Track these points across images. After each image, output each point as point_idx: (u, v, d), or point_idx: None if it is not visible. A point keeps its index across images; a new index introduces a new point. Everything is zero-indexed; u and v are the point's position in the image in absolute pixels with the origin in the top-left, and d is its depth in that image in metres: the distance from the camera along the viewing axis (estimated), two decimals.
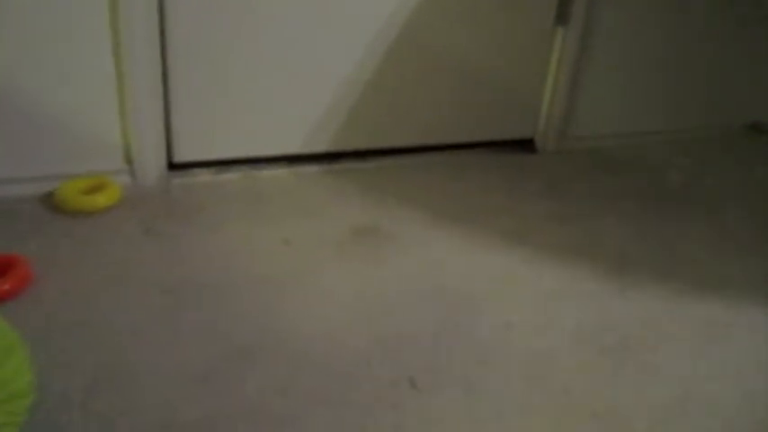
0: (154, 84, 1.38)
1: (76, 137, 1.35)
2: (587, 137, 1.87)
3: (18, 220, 1.25)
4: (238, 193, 1.46)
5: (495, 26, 1.68)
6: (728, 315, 1.17)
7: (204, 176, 1.51)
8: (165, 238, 1.26)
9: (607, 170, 1.75)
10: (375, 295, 1.13)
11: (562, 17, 1.71)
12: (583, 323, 1.11)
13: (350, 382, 0.93)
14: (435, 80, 1.67)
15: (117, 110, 1.37)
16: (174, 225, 1.30)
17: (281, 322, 1.05)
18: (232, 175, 1.52)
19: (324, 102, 1.57)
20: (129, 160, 1.42)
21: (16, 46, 1.24)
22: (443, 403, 0.91)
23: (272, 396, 0.90)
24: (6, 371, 0.70)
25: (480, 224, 1.41)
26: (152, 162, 1.44)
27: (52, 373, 0.88)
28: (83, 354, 0.94)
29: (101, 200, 1.32)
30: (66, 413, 0.83)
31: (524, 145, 1.84)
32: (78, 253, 1.17)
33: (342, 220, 1.36)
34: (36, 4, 1.23)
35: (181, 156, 1.49)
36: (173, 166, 1.49)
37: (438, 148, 1.74)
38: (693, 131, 1.99)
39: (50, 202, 1.31)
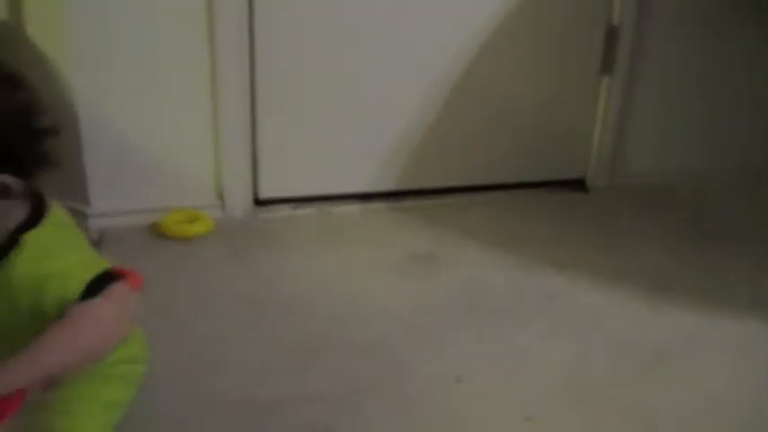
0: (243, 131, 1.62)
1: (178, 176, 1.60)
2: (635, 174, 1.97)
3: (129, 245, 1.49)
4: (313, 226, 1.66)
5: (547, 75, 1.84)
6: (763, 332, 1.27)
7: (284, 211, 1.72)
8: (249, 261, 1.47)
9: (653, 205, 1.86)
10: (423, 306, 1.30)
11: (607, 67, 1.86)
12: (620, 337, 1.23)
13: (400, 375, 1.10)
14: (492, 124, 1.84)
15: (212, 153, 1.61)
16: (257, 251, 1.52)
17: (341, 329, 1.22)
18: (308, 210, 1.73)
19: (390, 144, 1.77)
20: (220, 197, 1.65)
21: (133, 101, 1.51)
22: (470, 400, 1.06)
23: (332, 384, 1.07)
24: (135, 335, 0.90)
25: (530, 253, 1.54)
26: (240, 198, 1.67)
27: (152, 360, 1.08)
28: (180, 348, 1.13)
29: (197, 229, 1.55)
30: (167, 391, 1.03)
31: (575, 184, 1.97)
32: (179, 271, 1.40)
33: (402, 248, 1.53)
34: (144, 68, 1.50)
35: (265, 193, 1.71)
36: (258, 202, 1.71)
37: (494, 188, 1.89)
38: (737, 168, 2.06)
39: (156, 231, 1.55)
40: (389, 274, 1.43)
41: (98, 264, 0.78)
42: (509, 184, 1.91)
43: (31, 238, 0.75)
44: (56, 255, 0.76)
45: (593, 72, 1.87)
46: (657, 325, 1.28)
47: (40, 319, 0.74)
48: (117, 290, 0.76)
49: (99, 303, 0.74)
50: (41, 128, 0.75)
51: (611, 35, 1.83)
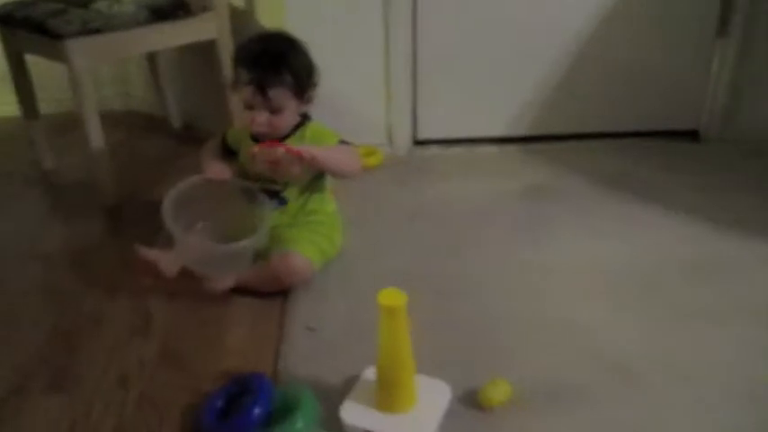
0: (406, 83, 2.13)
1: (360, 120, 2.15)
2: (747, 128, 2.22)
3: None
4: (458, 162, 2.15)
5: (666, 36, 2.14)
6: None
7: (437, 150, 2.22)
8: (408, 186, 1.99)
9: (762, 156, 2.10)
10: (532, 217, 1.77)
11: (722, 30, 2.12)
12: (694, 257, 1.60)
13: (509, 257, 1.57)
14: (615, 78, 2.19)
15: (384, 103, 2.14)
16: (414, 179, 2.04)
17: (474, 230, 1.71)
18: (456, 150, 2.22)
19: (525, 96, 2.20)
20: (389, 137, 2.19)
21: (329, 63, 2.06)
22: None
23: (468, 267, 1.57)
24: (337, 219, 1.50)
25: (630, 190, 1.91)
26: (403, 139, 2.20)
27: (344, 244, 1.64)
28: (361, 239, 1.68)
29: (372, 161, 2.10)
30: (353, 265, 1.58)
31: (689, 135, 2.27)
32: (360, 190, 1.93)
33: (524, 180, 1.98)
34: (337, 34, 2.04)
35: (422, 135, 2.23)
36: (416, 142, 2.23)
37: (613, 135, 2.25)
38: None
39: None
40: (511, 196, 1.90)
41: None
42: (627, 132, 2.26)
43: (311, 124, 1.52)
44: (325, 130, 1.51)
45: (709, 34, 2.14)
46: (729, 248, 1.63)
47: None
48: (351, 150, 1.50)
49: (352, 147, 1.50)
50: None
51: (727, 1, 2.09)
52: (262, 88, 1.40)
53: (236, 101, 1.66)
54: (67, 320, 1.46)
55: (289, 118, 1.47)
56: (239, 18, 2.10)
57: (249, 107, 1.44)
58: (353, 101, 2.12)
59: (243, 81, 1.42)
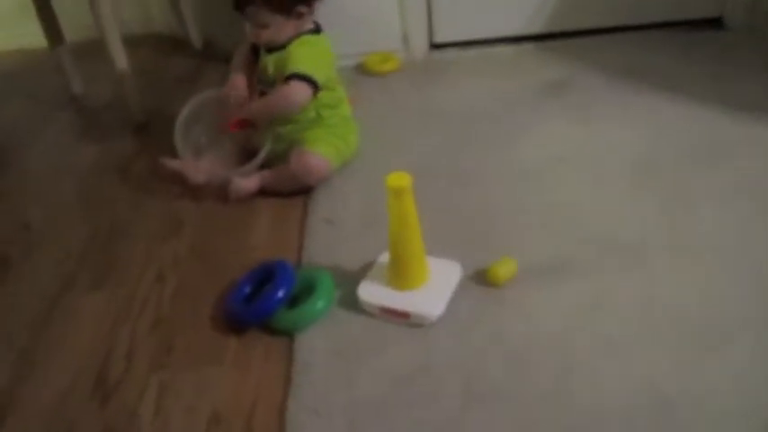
0: None
1: (376, 27, 2.16)
2: None
3: (343, 79, 2.09)
4: (475, 64, 2.15)
5: None
6: None
7: (453, 53, 2.22)
8: (425, 89, 2.02)
9: None
10: (545, 114, 1.78)
11: None
12: (705, 142, 1.61)
13: (520, 150, 1.61)
14: None
15: (399, 6, 2.14)
16: (431, 83, 2.06)
17: (486, 125, 1.74)
18: (472, 52, 2.21)
19: None
20: (405, 41, 2.20)
21: None
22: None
23: (474, 163, 1.61)
24: (351, 122, 1.55)
25: (646, 82, 1.90)
26: (420, 43, 2.20)
27: (361, 144, 1.69)
28: (376, 137, 1.72)
29: (389, 67, 2.12)
30: (366, 160, 1.64)
31: (713, 23, 2.21)
32: (377, 95, 1.98)
33: (540, 78, 1.98)
34: None
35: (438, 38, 2.23)
36: (433, 46, 2.24)
37: (633, 28, 2.21)
38: None
39: (360, 69, 2.15)
40: (526, 93, 1.91)
41: (318, 73, 1.50)
42: (648, 24, 2.21)
43: (307, 38, 1.52)
44: (308, 50, 1.51)
45: None
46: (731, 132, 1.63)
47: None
48: (303, 86, 1.49)
49: (295, 86, 1.48)
50: None
51: None
52: (238, 8, 1.50)
53: None
54: (104, 226, 1.56)
55: (279, 32, 1.52)
56: None
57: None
58: (368, 7, 2.12)
59: None
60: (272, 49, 1.55)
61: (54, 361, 1.22)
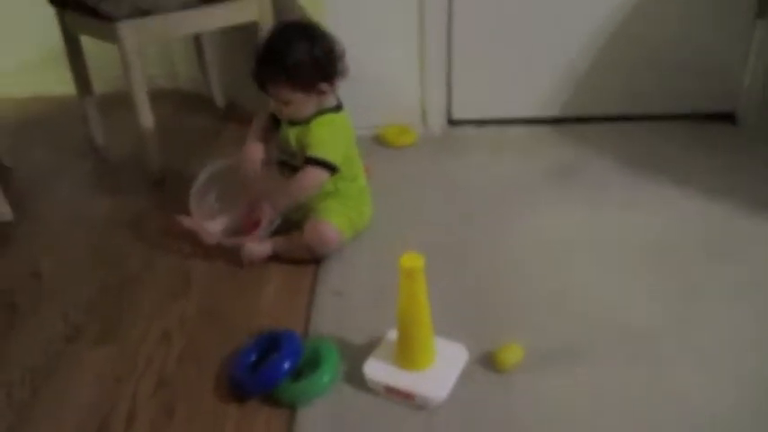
0: (441, 63, 2.18)
1: (394, 100, 2.21)
2: None
3: (361, 149, 2.13)
4: (490, 141, 2.19)
5: (703, 17, 2.13)
6: None
7: (470, 130, 2.27)
8: (440, 164, 2.05)
9: None
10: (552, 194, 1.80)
11: (762, 11, 2.11)
12: (717, 235, 1.63)
13: (516, 223, 1.63)
14: (649, 60, 2.19)
15: (418, 85, 2.20)
16: (447, 158, 2.09)
17: (495, 202, 1.77)
18: (488, 130, 2.26)
19: (555, 79, 2.23)
20: (423, 116, 2.25)
21: (364, 50, 2.11)
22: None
23: (477, 232, 1.62)
24: (365, 193, 1.57)
25: (659, 170, 1.93)
26: (437, 118, 2.25)
27: (374, 213, 1.71)
28: (392, 207, 1.75)
29: (406, 140, 2.16)
30: (380, 233, 1.65)
31: (726, 118, 2.25)
32: (393, 167, 2.01)
33: (551, 160, 2.02)
34: (373, 21, 2.09)
35: (456, 115, 2.28)
36: (450, 122, 2.29)
37: (645, 118, 2.25)
38: None
39: (377, 140, 2.19)
40: (538, 174, 1.95)
41: (336, 155, 1.53)
42: (661, 115, 2.25)
43: (329, 118, 1.55)
44: (328, 131, 1.54)
45: (748, 16, 2.12)
46: (750, 230, 1.64)
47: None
48: (321, 173, 1.52)
49: (312, 173, 1.52)
50: (339, 55, 1.50)
51: None
52: (260, 85, 1.51)
53: None
54: (114, 280, 1.57)
55: (300, 108, 1.53)
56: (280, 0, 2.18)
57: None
58: (388, 80, 2.18)
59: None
60: (294, 121, 1.58)
61: (53, 417, 1.21)
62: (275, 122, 1.65)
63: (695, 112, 2.27)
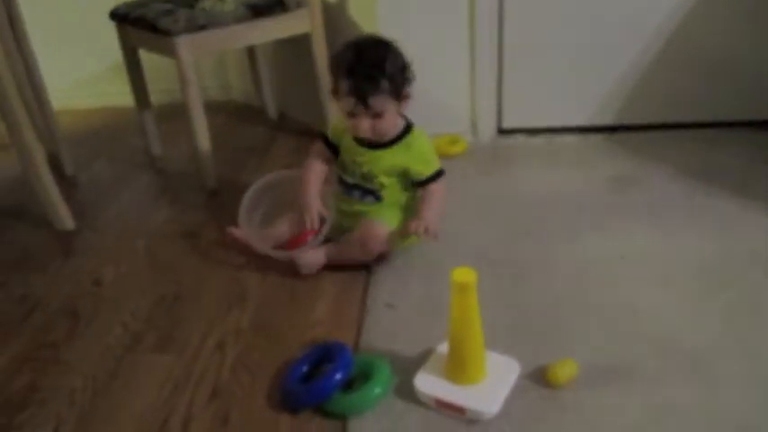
0: (491, 72, 2.18)
1: (446, 111, 2.21)
2: None
3: None
4: (540, 151, 2.17)
5: (754, 26, 2.09)
6: None
7: (520, 139, 2.25)
8: (491, 175, 2.04)
9: None
10: (608, 206, 1.77)
11: None
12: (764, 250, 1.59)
13: (577, 244, 1.60)
14: (700, 69, 2.15)
15: (470, 95, 2.20)
16: (497, 168, 2.08)
17: (547, 214, 1.75)
18: (539, 140, 2.24)
19: (608, 87, 2.20)
20: (474, 126, 2.24)
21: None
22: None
23: (533, 242, 1.61)
24: None
25: (716, 182, 1.87)
26: (488, 127, 2.25)
27: None
28: (442, 224, 1.75)
29: (456, 149, 2.16)
30: (432, 250, 1.65)
31: None
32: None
33: (604, 171, 1.99)
34: (427, 33, 2.10)
35: (506, 124, 2.27)
36: (500, 131, 2.27)
37: (701, 125, 2.20)
38: None
39: None
40: (591, 186, 1.92)
41: (438, 159, 1.59)
42: (713, 122, 2.20)
43: (418, 130, 1.59)
44: (427, 143, 1.59)
45: None
46: None
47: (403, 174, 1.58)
48: (443, 183, 1.57)
49: (441, 186, 1.57)
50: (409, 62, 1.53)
51: None
52: (362, 98, 1.45)
53: (335, 107, 1.73)
54: (170, 290, 1.61)
55: (390, 120, 1.52)
56: (332, 12, 2.21)
57: (351, 115, 1.50)
58: (439, 89, 2.18)
59: (342, 91, 1.48)
60: (373, 144, 1.57)
61: (112, 423, 1.25)
62: (333, 151, 1.65)
63: (754, 120, 2.20)
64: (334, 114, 2.09)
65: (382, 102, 1.47)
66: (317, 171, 1.64)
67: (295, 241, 1.64)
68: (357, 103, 1.46)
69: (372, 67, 1.45)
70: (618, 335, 1.34)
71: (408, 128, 1.58)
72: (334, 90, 1.52)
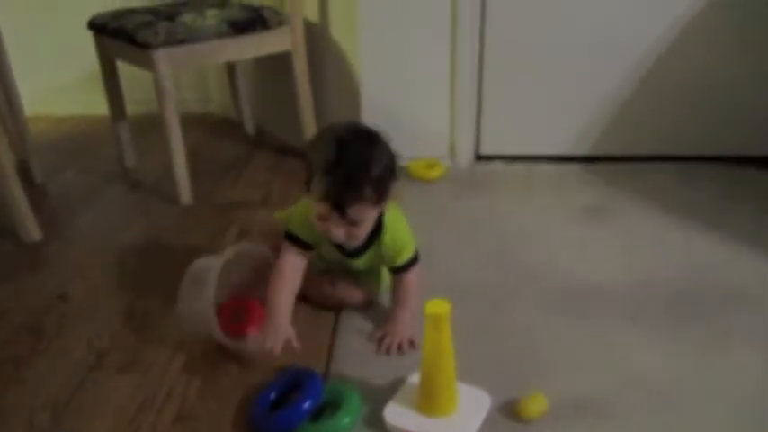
0: (471, 98, 2.19)
1: (423, 134, 2.21)
2: None
3: None
4: (518, 179, 2.18)
5: (738, 62, 2.12)
6: None
7: (498, 166, 2.26)
8: (467, 200, 2.05)
9: None
10: (580, 239, 1.78)
11: None
12: (742, 284, 1.60)
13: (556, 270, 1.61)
14: (681, 101, 2.17)
15: (449, 120, 2.20)
16: (474, 194, 2.09)
17: (520, 244, 1.75)
18: (516, 167, 2.25)
19: (586, 117, 2.22)
20: (452, 151, 2.25)
21: (398, 84, 2.13)
22: None
23: (504, 271, 1.61)
24: None
25: (689, 215, 1.89)
26: (466, 153, 2.25)
27: None
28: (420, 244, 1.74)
29: (434, 174, 2.16)
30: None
31: (762, 162, 2.20)
32: (419, 201, 2.00)
33: (579, 201, 2.01)
34: (405, 55, 2.11)
35: (484, 150, 2.28)
36: (478, 157, 2.28)
37: (679, 159, 2.23)
38: None
39: (404, 173, 2.17)
40: (561, 216, 1.93)
41: (412, 243, 1.46)
42: (693, 156, 2.23)
43: (390, 216, 1.40)
44: (400, 230, 1.44)
45: None
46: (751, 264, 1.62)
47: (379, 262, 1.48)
48: (417, 268, 1.45)
49: (414, 276, 1.45)
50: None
51: None
52: (339, 207, 1.25)
53: (312, 126, 1.61)
54: (140, 307, 1.58)
55: (368, 227, 1.34)
56: (314, 31, 2.21)
57: (323, 219, 1.29)
58: (418, 114, 2.19)
59: (318, 191, 1.26)
60: (345, 252, 1.46)
61: None
62: (305, 247, 1.44)
63: (730, 155, 2.23)
64: (311, 133, 2.09)
65: (362, 211, 1.27)
66: (289, 279, 1.41)
67: (234, 327, 1.44)
68: (333, 210, 1.26)
69: (355, 171, 1.24)
70: (589, 368, 1.33)
71: (380, 224, 1.40)
72: (307, 182, 1.29)
